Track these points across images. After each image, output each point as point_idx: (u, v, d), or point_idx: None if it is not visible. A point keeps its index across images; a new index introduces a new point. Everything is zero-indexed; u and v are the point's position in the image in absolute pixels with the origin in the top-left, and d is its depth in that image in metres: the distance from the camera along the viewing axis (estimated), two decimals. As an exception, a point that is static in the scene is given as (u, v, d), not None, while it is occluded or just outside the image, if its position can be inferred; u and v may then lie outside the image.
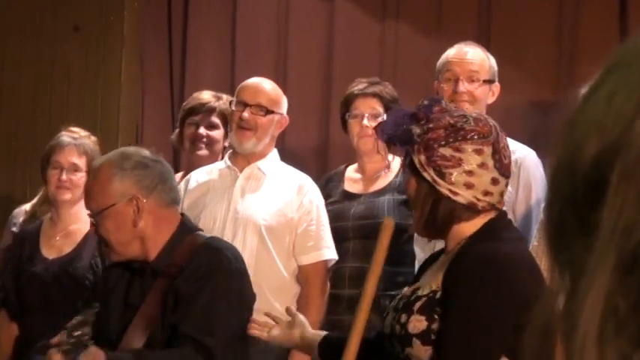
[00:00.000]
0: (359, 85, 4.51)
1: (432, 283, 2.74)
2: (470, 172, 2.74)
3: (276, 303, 4.08)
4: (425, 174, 2.72)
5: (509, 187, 3.89)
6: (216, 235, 4.01)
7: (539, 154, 4.16)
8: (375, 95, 4.45)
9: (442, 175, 2.72)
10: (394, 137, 2.77)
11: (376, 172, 4.45)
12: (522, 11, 5.57)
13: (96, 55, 5.98)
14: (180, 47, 6.07)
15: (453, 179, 2.72)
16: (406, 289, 2.86)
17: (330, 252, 4.34)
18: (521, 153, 4.11)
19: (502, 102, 4.35)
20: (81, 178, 4.48)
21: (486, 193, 2.76)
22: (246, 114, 4.35)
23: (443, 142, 2.72)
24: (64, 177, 4.50)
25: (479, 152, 2.75)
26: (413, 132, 2.72)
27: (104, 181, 3.40)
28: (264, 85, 4.48)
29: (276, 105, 4.42)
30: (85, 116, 5.68)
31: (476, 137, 2.76)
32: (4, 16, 6.04)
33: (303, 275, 4.35)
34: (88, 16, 5.98)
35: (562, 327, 0.65)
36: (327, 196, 4.50)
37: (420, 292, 2.75)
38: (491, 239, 2.72)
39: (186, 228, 3.53)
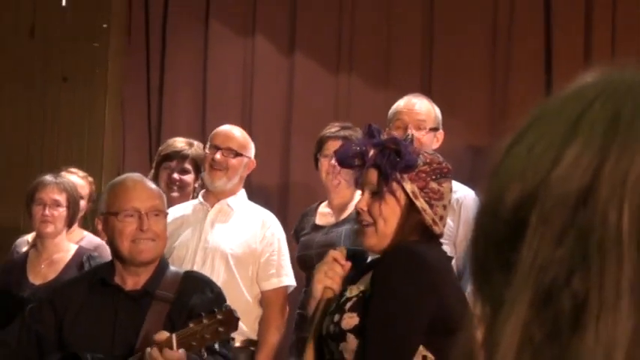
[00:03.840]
0: (332, 129, 4.48)
1: (360, 285, 2.71)
2: (445, 207, 2.75)
3: (240, 324, 3.97)
4: (417, 202, 2.69)
5: (451, 223, 4.00)
6: (188, 263, 4.18)
7: (477, 194, 4.09)
8: (344, 138, 4.32)
9: (431, 206, 2.71)
10: (349, 158, 2.76)
11: (342, 205, 4.37)
12: (460, 65, 5.58)
13: (82, 103, 5.96)
14: (157, 96, 6.03)
15: (438, 211, 2.72)
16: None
17: (288, 279, 4.35)
18: (461, 193, 4.11)
19: (441, 145, 4.29)
20: (62, 212, 4.49)
21: (444, 225, 2.78)
22: (218, 156, 4.36)
23: (434, 177, 2.72)
24: (47, 212, 4.47)
25: (450, 190, 2.79)
26: (399, 162, 2.69)
27: None
28: (234, 131, 4.50)
29: (245, 149, 4.44)
30: (72, 157, 5.68)
31: (450, 176, 2.79)
32: (0, 69, 5.99)
33: (264, 299, 4.35)
34: (76, 67, 5.96)
35: (483, 354, 0.65)
36: (301, 229, 4.51)
37: (348, 294, 2.71)
38: (416, 245, 2.70)
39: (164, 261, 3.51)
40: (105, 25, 5.92)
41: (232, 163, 4.36)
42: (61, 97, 5.89)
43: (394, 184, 2.68)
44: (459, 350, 0.68)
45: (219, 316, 3.05)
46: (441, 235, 2.76)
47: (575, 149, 0.62)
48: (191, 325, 3.04)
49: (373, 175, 2.71)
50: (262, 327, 4.29)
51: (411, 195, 2.68)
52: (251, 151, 4.47)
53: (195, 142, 4.82)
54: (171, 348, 3.01)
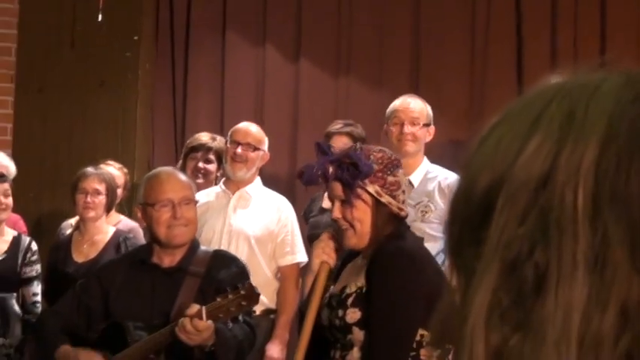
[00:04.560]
0: (336, 125, 4.63)
1: (357, 282, 2.76)
2: (404, 191, 2.81)
3: (261, 296, 4.08)
4: (382, 199, 2.74)
5: (443, 206, 4.09)
6: (216, 244, 4.24)
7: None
8: (347, 134, 4.53)
9: (394, 197, 2.76)
10: (313, 179, 2.81)
11: None
12: (444, 69, 5.67)
13: (117, 105, 6.05)
14: (181, 98, 6.13)
15: (400, 198, 2.77)
16: (333, 288, 2.86)
17: (301, 255, 4.47)
18: (451, 179, 4.19)
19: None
20: (102, 199, 4.62)
21: (407, 205, 2.86)
22: (239, 150, 4.48)
23: (389, 172, 2.76)
24: (88, 199, 4.58)
25: (404, 174, 2.85)
26: (358, 173, 2.71)
27: None
28: (252, 128, 4.63)
29: (261, 144, 4.58)
30: (108, 152, 5.72)
31: (400, 164, 2.85)
32: (46, 76, 6.13)
33: (281, 274, 4.49)
34: (111, 74, 6.05)
35: (457, 316, 0.66)
36: (310, 211, 4.64)
37: (348, 290, 2.76)
38: (397, 239, 2.75)
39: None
40: (136, 37, 6.02)
41: (251, 156, 4.48)
42: (98, 100, 6.00)
43: (358, 190, 2.72)
44: (439, 315, 0.69)
45: (242, 292, 3.13)
46: (406, 216, 2.81)
47: (536, 141, 0.63)
48: (218, 299, 3.12)
49: (338, 187, 2.77)
50: (280, 298, 4.42)
51: (375, 195, 2.73)
52: (265, 145, 4.59)
53: (218, 137, 4.95)
54: (200, 319, 3.08)
